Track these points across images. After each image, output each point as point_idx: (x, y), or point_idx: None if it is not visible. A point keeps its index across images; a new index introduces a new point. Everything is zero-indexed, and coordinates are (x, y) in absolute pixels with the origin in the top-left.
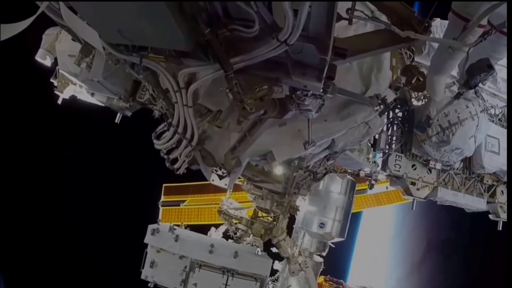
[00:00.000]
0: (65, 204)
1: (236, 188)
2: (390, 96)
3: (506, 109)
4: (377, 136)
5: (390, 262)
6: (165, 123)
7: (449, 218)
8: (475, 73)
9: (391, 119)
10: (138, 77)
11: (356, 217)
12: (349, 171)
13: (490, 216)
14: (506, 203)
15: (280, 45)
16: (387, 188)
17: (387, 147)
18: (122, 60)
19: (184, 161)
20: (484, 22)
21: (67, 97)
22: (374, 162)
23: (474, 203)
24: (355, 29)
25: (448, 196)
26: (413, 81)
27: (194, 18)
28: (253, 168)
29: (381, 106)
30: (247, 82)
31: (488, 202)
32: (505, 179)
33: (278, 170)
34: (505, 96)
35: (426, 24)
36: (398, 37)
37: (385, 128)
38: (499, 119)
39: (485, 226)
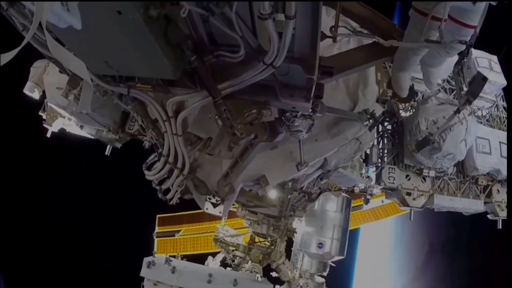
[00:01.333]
0: (58, 239)
1: (231, 214)
2: (378, 110)
3: (492, 109)
4: (368, 151)
5: (393, 271)
6: (156, 153)
7: (448, 218)
8: (477, 92)
9: (381, 133)
10: (126, 108)
11: (354, 233)
12: (343, 188)
13: (488, 216)
14: (503, 201)
15: (266, 68)
16: (382, 201)
17: (379, 160)
18: (110, 91)
19: (177, 191)
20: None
21: (56, 130)
22: (368, 177)
23: (471, 205)
24: (338, 47)
25: (445, 202)
26: None
27: (180, 46)
28: (247, 194)
29: (370, 120)
30: (235, 107)
31: (485, 203)
32: (499, 177)
33: (272, 193)
34: (490, 97)
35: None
36: (381, 51)
37: (375, 142)
38: (486, 120)
39: (485, 223)
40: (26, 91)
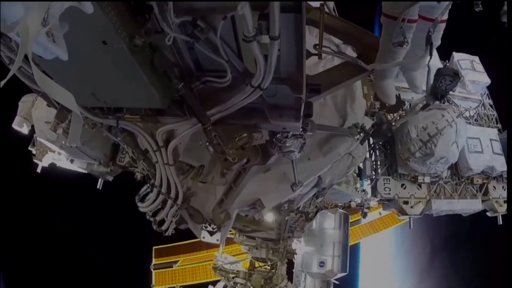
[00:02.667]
0: (53, 275)
1: (229, 241)
2: (368, 123)
3: (479, 109)
4: (361, 165)
5: (398, 278)
6: (148, 184)
7: (448, 215)
8: (440, 75)
9: (372, 145)
10: (116, 140)
11: (355, 249)
12: (339, 204)
13: (488, 213)
14: (500, 197)
15: (254, 90)
16: (380, 214)
17: (373, 173)
18: (99, 123)
19: (172, 221)
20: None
21: (46, 165)
22: (363, 190)
23: (470, 206)
24: (323, 65)
25: (443, 206)
26: (386, 104)
27: (166, 74)
28: (243, 219)
29: (361, 134)
30: (226, 132)
31: (483, 201)
32: (494, 174)
33: (269, 217)
34: (476, 97)
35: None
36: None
37: (368, 155)
38: (475, 120)
39: (485, 215)
40: (14, 126)
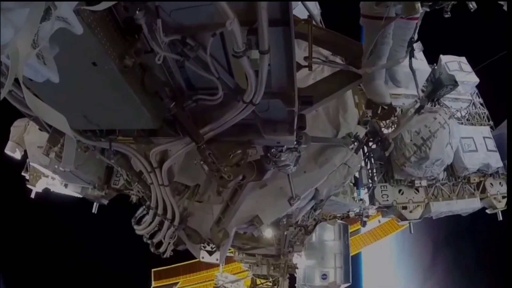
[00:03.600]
0: None
1: (228, 260)
2: (361, 132)
3: (470, 108)
4: (357, 174)
5: (402, 280)
6: (144, 206)
7: None
8: (443, 86)
9: (367, 154)
10: (109, 162)
11: (356, 258)
12: (338, 215)
13: (487, 211)
14: (498, 193)
15: (246, 106)
16: (379, 222)
17: (370, 181)
18: (91, 146)
19: (169, 243)
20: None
21: (40, 190)
22: (361, 199)
23: (468, 205)
24: (314, 77)
25: (442, 208)
26: (378, 111)
27: (158, 94)
28: (242, 237)
29: (355, 143)
30: (220, 150)
31: (481, 199)
32: (490, 171)
33: (268, 232)
34: (466, 97)
35: None
36: (354, 73)
37: (363, 164)
38: (467, 119)
39: (484, 208)
40: (7, 151)
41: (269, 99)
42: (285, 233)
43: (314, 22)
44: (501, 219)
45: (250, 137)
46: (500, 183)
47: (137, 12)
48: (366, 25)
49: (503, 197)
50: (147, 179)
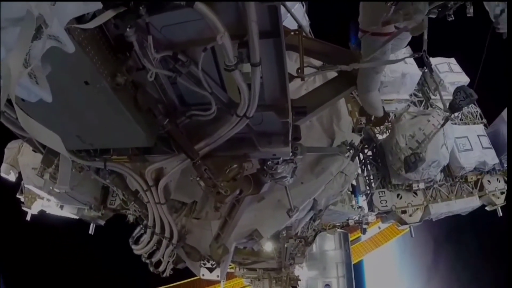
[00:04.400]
0: None
1: (230, 276)
2: (356, 139)
3: (463, 109)
4: (354, 182)
5: (407, 282)
6: (141, 225)
7: None
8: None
9: (363, 161)
10: (105, 182)
11: (359, 266)
12: (337, 224)
13: (487, 208)
14: (496, 189)
15: (240, 120)
16: (379, 228)
17: (367, 188)
18: (86, 167)
19: (168, 261)
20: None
21: (35, 212)
22: (359, 207)
23: (468, 204)
24: (306, 88)
25: (441, 209)
26: (372, 118)
27: (151, 111)
28: (242, 252)
29: (351, 151)
30: (216, 165)
31: (480, 197)
32: (486, 168)
33: (268, 246)
34: None
35: None
36: (347, 82)
37: (360, 171)
38: (460, 119)
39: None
40: (1, 173)
41: (262, 111)
42: (286, 245)
43: (304, 33)
44: (501, 215)
45: (245, 151)
46: (497, 179)
47: (127, 29)
48: (365, 41)
49: (502, 193)
50: (143, 197)
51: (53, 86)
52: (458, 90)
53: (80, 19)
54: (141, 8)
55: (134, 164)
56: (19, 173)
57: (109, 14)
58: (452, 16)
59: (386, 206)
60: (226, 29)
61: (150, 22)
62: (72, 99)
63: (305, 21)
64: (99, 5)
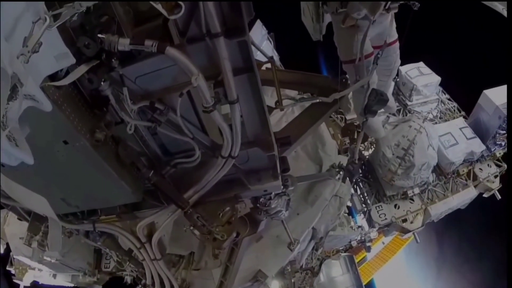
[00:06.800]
0: None
1: None
2: (344, 160)
3: (439, 106)
4: (349, 203)
5: (418, 281)
6: (140, 285)
7: None
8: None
9: (354, 180)
10: (96, 245)
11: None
12: (340, 248)
13: (484, 195)
14: (489, 174)
15: (226, 161)
16: (383, 243)
17: (363, 205)
18: (75, 231)
19: None
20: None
21: (28, 284)
22: (359, 226)
23: (465, 196)
24: (286, 120)
25: (441, 209)
26: (355, 137)
27: (134, 165)
28: None
29: (340, 173)
30: (208, 211)
31: (475, 186)
32: (475, 158)
33: (275, 285)
34: (433, 97)
35: (344, 80)
36: (325, 106)
37: (353, 191)
38: (440, 118)
39: None
40: None
41: (247, 148)
42: (292, 280)
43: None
44: (499, 197)
45: (236, 192)
46: (488, 165)
47: (102, 83)
48: (349, 69)
49: (495, 176)
50: (138, 256)
51: (32, 148)
52: (371, 92)
53: (54, 77)
54: (113, 60)
55: (124, 223)
56: (7, 244)
57: (82, 69)
58: (417, 4)
59: (386, 219)
60: (199, 71)
61: (124, 74)
62: (53, 160)
63: (275, 56)
64: (72, 60)
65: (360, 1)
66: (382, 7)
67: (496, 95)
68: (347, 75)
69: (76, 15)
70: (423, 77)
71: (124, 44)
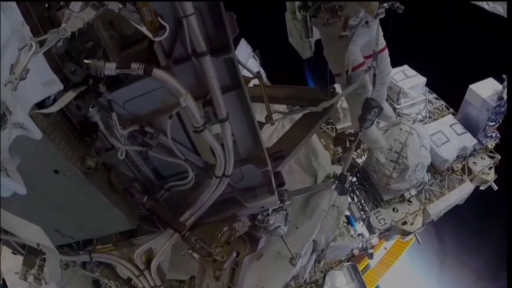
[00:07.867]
0: None
1: None
2: (338, 170)
3: (428, 106)
4: (347, 212)
5: (422, 280)
6: None
7: None
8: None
9: (350, 188)
10: (94, 276)
11: None
12: (343, 258)
13: (481, 188)
14: (483, 167)
15: (220, 180)
16: (385, 248)
17: (362, 213)
18: (71, 262)
19: None
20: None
21: None
22: (359, 234)
23: (462, 191)
24: (277, 135)
25: (439, 207)
26: (347, 145)
27: (128, 191)
28: None
29: (336, 183)
30: (206, 233)
31: (471, 180)
32: (468, 152)
33: None
34: (421, 98)
35: (332, 90)
36: (314, 118)
37: (350, 199)
38: (429, 118)
39: None
40: None
41: (241, 166)
42: None
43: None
44: (496, 188)
45: (233, 211)
46: (481, 157)
47: (90, 109)
48: (342, 82)
49: (490, 168)
50: (137, 284)
51: (23, 178)
52: (365, 102)
53: (41, 106)
54: (100, 85)
55: (121, 251)
56: (3, 280)
57: (70, 95)
58: (401, 7)
59: (386, 223)
60: (188, 91)
61: (112, 99)
62: (44, 190)
63: (261, 73)
64: (60, 86)
65: (358, 1)
66: (377, 4)
67: (482, 88)
68: (335, 85)
69: (62, 40)
70: (408, 80)
71: (110, 68)
